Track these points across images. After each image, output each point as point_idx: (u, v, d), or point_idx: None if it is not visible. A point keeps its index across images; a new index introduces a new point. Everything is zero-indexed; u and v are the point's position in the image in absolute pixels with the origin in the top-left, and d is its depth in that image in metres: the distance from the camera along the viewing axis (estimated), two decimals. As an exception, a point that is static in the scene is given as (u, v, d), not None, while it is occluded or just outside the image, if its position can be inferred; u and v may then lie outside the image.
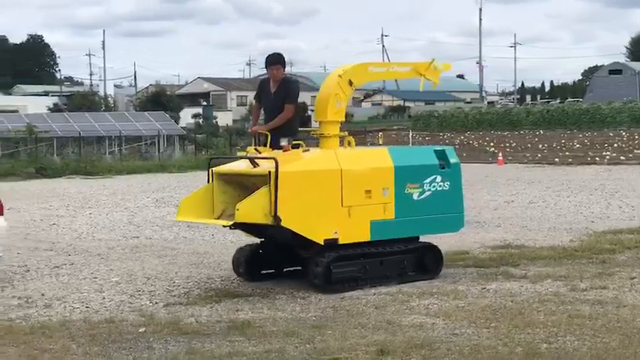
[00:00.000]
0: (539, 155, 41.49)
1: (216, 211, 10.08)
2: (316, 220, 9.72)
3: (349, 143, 10.54)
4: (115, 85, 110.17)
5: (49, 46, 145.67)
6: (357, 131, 52.24)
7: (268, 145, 10.36)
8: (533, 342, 7.47)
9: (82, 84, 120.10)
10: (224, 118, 75.41)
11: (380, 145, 45.11)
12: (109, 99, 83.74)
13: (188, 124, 67.65)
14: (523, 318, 8.35)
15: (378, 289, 10.02)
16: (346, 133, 10.61)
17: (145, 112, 54.85)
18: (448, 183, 10.70)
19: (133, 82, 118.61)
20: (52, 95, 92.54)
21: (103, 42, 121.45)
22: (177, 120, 60.28)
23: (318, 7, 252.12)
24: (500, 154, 38.80)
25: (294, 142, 10.40)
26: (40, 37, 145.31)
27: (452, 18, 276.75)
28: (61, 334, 8.06)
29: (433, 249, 10.75)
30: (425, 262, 10.57)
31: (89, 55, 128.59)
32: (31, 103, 75.90)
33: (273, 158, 9.49)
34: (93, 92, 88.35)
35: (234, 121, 77.21)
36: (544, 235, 14.63)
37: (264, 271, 10.68)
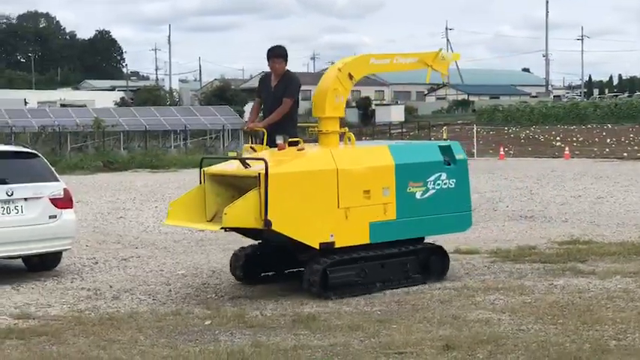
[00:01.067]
0: (606, 150, 40.89)
1: (209, 214, 9.53)
2: (310, 223, 9.19)
3: (349, 140, 9.89)
4: (180, 80, 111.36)
5: (116, 41, 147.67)
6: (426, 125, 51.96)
7: (265, 142, 9.95)
8: (602, 339, 7.36)
9: (147, 78, 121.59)
10: (288, 113, 75.55)
11: (444, 138, 44.93)
12: (174, 93, 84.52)
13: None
14: (591, 315, 8.23)
15: (444, 283, 9.97)
16: (346, 129, 9.99)
17: (210, 107, 55.29)
18: (454, 180, 10.13)
19: (197, 76, 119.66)
20: (119, 90, 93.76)
21: (169, 37, 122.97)
22: (241, 114, 60.58)
23: (383, 1, 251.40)
24: (566, 149, 38.32)
25: (291, 140, 9.71)
26: (108, 33, 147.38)
27: (517, 11, 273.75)
28: (128, 326, 8.17)
29: (438, 250, 10.31)
30: (430, 265, 10.10)
31: (155, 50, 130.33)
32: (98, 98, 76.99)
33: (262, 159, 8.99)
34: (158, 87, 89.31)
35: (298, 115, 77.37)
36: (612, 230, 14.42)
37: (264, 274, 10.31)
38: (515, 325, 7.95)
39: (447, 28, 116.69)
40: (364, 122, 66.98)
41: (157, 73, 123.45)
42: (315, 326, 8.04)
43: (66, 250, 11.29)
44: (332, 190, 9.28)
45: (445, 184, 10.05)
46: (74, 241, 11.76)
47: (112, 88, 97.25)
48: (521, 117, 70.49)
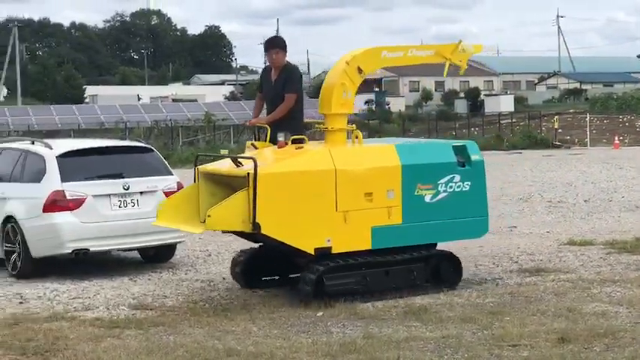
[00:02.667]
0: None
1: (203, 214, 8.80)
2: (304, 226, 8.62)
3: (357, 138, 9.26)
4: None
5: (225, 36, 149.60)
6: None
7: (268, 139, 9.45)
8: None
9: (256, 72, 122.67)
10: (396, 104, 75.32)
11: (555, 128, 44.12)
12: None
13: (361, 111, 67.98)
14: None
15: (558, 275, 9.81)
16: (354, 126, 9.37)
17: (316, 100, 55.57)
18: (469, 183, 9.36)
19: (306, 69, 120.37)
20: (228, 84, 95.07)
21: (277, 30, 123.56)
22: (349, 106, 60.65)
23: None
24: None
25: (295, 137, 9.17)
26: (217, 28, 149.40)
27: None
28: (242, 317, 8.28)
29: (449, 257, 9.53)
30: (440, 272, 9.35)
31: (262, 44, 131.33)
32: (209, 92, 78.21)
33: (252, 158, 8.46)
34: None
35: (407, 107, 77.05)
36: None
37: (266, 278, 9.75)
38: (633, 318, 7.77)
39: (558, 16, 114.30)
40: (473, 113, 66.21)
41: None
42: (427, 318, 8.01)
43: (180, 242, 11.50)
44: (329, 191, 8.70)
45: (459, 186, 9.32)
46: (187, 234, 11.94)
47: (222, 83, 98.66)
48: (637, 105, 68.59)
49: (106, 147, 11.46)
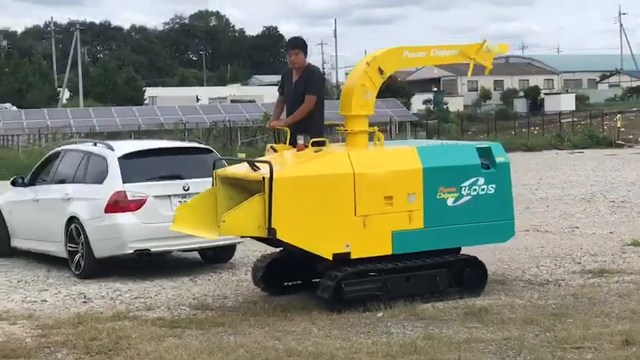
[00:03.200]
0: None
1: (220, 218, 8.56)
2: (322, 231, 8.45)
3: (378, 140, 9.11)
4: (347, 74, 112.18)
5: (283, 37, 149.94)
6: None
7: (287, 142, 9.30)
8: None
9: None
10: (455, 104, 74.95)
11: (617, 127, 43.51)
12: (341, 87, 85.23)
13: (419, 110, 67.82)
14: None
15: (622, 276, 9.66)
16: (376, 128, 9.16)
17: (377, 99, 55.42)
18: (493, 186, 9.12)
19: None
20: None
21: (335, 31, 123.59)
22: (408, 106, 60.56)
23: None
24: None
25: (315, 140, 8.95)
26: (275, 29, 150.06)
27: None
28: (301, 318, 8.29)
29: (473, 262, 9.22)
30: (464, 277, 9.06)
31: (321, 44, 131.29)
32: (267, 93, 78.38)
33: (268, 162, 8.30)
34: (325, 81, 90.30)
35: (465, 106, 76.61)
36: None
37: (288, 283, 9.58)
38: (699, 320, 7.62)
39: (620, 13, 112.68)
40: (533, 112, 65.62)
41: (323, 67, 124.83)
42: (488, 319, 7.94)
43: (239, 243, 11.56)
44: (348, 195, 8.52)
45: (483, 189, 9.08)
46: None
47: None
48: (701, 103, 67.33)
49: (166, 148, 11.56)
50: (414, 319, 8.12)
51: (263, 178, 8.22)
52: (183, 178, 10.87)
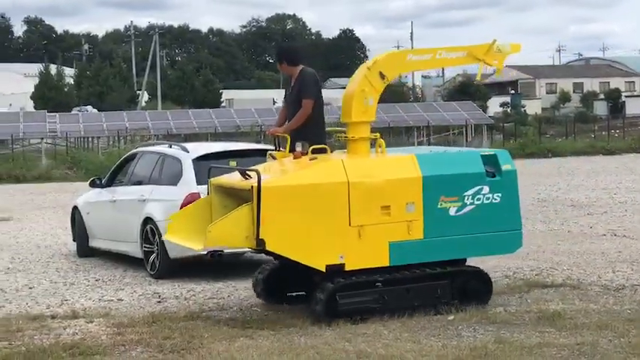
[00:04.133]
0: None
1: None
2: (314, 242, 8.11)
3: (380, 147, 8.79)
4: (423, 76, 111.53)
5: (359, 39, 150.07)
6: None
7: (287, 149, 9.00)
8: None
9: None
10: (532, 107, 74.14)
11: None
12: (417, 89, 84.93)
13: (496, 113, 67.23)
14: None
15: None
16: (378, 135, 8.87)
17: (453, 102, 55.14)
18: (499, 195, 8.71)
19: (440, 72, 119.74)
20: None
21: (411, 33, 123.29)
22: (484, 109, 60.10)
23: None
24: None
25: (315, 147, 8.67)
26: (351, 32, 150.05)
27: None
28: (373, 320, 8.27)
29: (477, 273, 8.88)
30: (467, 289, 8.71)
31: (397, 46, 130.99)
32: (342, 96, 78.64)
33: (256, 171, 8.03)
34: (401, 83, 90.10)
35: (543, 109, 75.73)
36: None
37: (292, 293, 9.23)
38: None
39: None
40: (613, 115, 64.53)
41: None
42: (561, 324, 7.86)
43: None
44: (341, 205, 8.16)
45: (487, 198, 8.67)
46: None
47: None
48: None
49: (240, 150, 11.65)
50: (486, 323, 8.07)
51: (252, 187, 7.96)
52: (255, 180, 10.94)
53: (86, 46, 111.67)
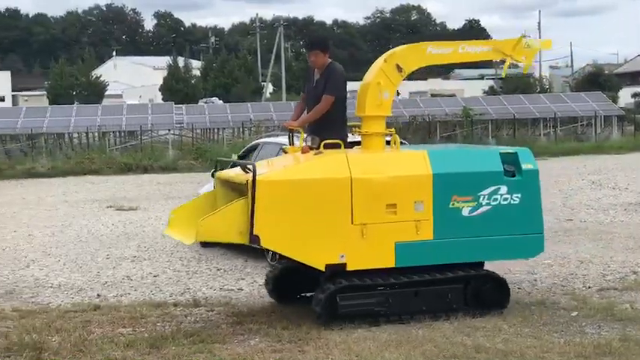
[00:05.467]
0: None
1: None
2: (313, 240, 7.72)
3: (395, 143, 8.44)
4: (551, 67, 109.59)
5: (485, 30, 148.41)
6: None
7: (301, 142, 8.68)
8: None
9: (517, 67, 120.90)
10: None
11: None
12: (544, 80, 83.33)
13: (627, 104, 65.37)
14: None
15: None
16: (393, 130, 8.47)
17: (581, 93, 53.79)
18: (518, 195, 8.18)
19: (569, 62, 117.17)
20: (488, 78, 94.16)
21: (539, 23, 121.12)
22: (615, 100, 58.46)
23: None
24: None
25: (328, 142, 8.32)
26: (477, 22, 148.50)
27: None
28: (493, 313, 8.13)
29: (492, 278, 8.31)
30: (481, 295, 8.19)
31: (524, 36, 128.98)
32: (467, 87, 77.85)
33: (252, 164, 7.70)
34: (528, 74, 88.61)
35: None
36: None
37: (305, 294, 8.77)
38: None
39: None
40: None
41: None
42: (691, 323, 7.57)
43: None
44: (343, 202, 7.76)
45: (505, 199, 8.16)
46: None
47: (481, 77, 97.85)
48: None
49: (356, 142, 11.60)
50: (611, 320, 7.85)
51: (247, 181, 7.64)
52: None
53: (213, 39, 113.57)
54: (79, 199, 20.87)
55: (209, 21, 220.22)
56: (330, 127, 8.76)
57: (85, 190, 23.35)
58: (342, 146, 8.41)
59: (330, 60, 9.10)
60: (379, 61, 8.57)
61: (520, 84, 72.14)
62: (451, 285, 8.11)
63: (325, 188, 7.76)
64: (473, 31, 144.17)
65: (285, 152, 8.83)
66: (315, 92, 9.02)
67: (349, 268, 7.82)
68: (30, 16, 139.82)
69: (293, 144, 8.89)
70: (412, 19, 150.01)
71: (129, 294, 9.74)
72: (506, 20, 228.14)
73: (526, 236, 8.33)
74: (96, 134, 41.08)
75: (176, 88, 68.84)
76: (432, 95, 66.98)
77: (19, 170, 30.59)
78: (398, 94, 72.27)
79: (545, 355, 6.80)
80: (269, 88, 79.85)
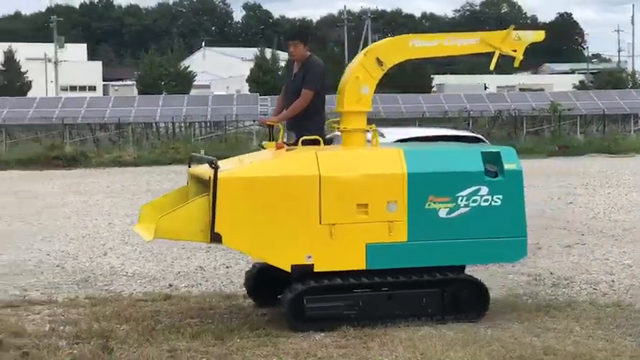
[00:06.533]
0: None
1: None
2: (278, 240, 7.42)
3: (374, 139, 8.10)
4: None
5: (577, 23, 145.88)
6: None
7: (280, 139, 8.30)
8: None
9: (609, 61, 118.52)
10: None
11: None
12: (637, 76, 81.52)
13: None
14: None
15: None
16: (374, 126, 8.15)
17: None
18: (500, 197, 7.75)
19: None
20: (578, 73, 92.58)
21: (632, 17, 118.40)
22: None
23: None
24: None
25: (306, 138, 8.00)
26: (569, 15, 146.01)
27: None
28: (565, 315, 7.99)
29: (471, 283, 7.92)
30: (458, 300, 7.78)
31: (618, 31, 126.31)
32: (556, 82, 76.60)
33: (213, 160, 7.37)
34: (620, 69, 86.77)
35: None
36: None
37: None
38: None
39: None
40: None
41: (619, 55, 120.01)
42: None
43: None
44: (311, 201, 7.43)
45: (486, 200, 7.73)
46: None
47: (572, 72, 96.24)
48: None
49: (435, 136, 11.52)
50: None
51: (209, 177, 7.37)
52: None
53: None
54: (162, 189, 21.09)
55: (297, 13, 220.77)
56: (309, 123, 8.45)
57: (169, 180, 23.62)
58: (322, 143, 8.09)
59: (309, 53, 8.79)
60: (359, 55, 8.28)
61: (612, 79, 70.73)
62: (426, 289, 7.75)
63: (291, 186, 7.46)
64: (564, 24, 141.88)
65: (263, 148, 8.53)
66: (293, 86, 8.72)
67: (317, 269, 7.50)
68: (123, 7, 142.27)
69: (272, 140, 8.52)
70: (502, 11, 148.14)
71: (200, 284, 9.80)
72: (599, 14, 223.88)
73: (508, 239, 7.93)
74: (182, 124, 41.60)
75: (263, 80, 69.23)
76: (521, 89, 66.10)
77: (107, 159, 31.17)
78: (485, 87, 71.57)
79: (615, 358, 6.62)
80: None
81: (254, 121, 41.26)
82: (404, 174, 7.62)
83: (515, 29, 8.52)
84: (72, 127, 39.98)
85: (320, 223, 7.47)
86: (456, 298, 7.77)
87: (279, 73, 73.60)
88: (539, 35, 8.72)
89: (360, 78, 8.08)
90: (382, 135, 11.27)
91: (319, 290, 7.50)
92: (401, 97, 49.30)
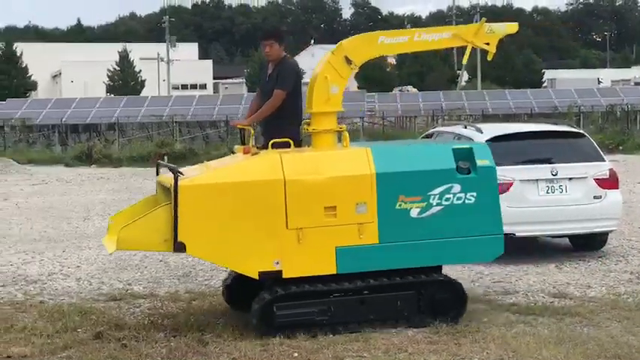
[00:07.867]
0: None
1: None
2: (244, 247, 7.19)
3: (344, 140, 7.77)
4: None
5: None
6: None
7: (251, 142, 7.93)
8: None
9: None
10: None
11: None
12: None
13: None
14: None
15: None
16: (344, 127, 7.86)
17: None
18: (474, 194, 7.49)
19: None
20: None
21: None
22: None
23: None
24: None
25: (278, 141, 7.73)
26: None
27: None
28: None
29: (447, 283, 7.64)
30: (435, 302, 7.50)
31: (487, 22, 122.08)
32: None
33: (173, 168, 7.20)
34: None
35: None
36: None
37: None
38: None
39: None
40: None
41: None
42: None
43: (611, 231, 11.07)
44: (276, 205, 7.19)
45: (459, 198, 7.46)
46: (620, 222, 11.47)
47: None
48: None
49: (536, 132, 11.33)
50: None
51: (170, 185, 7.15)
52: (551, 163, 10.63)
53: (408, 27, 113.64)
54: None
55: (407, 9, 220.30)
56: (281, 125, 8.31)
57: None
58: (292, 145, 7.85)
59: (285, 54, 8.65)
60: (327, 54, 8.01)
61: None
62: (400, 292, 7.51)
63: (255, 191, 7.24)
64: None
65: (233, 152, 8.33)
66: (267, 87, 8.57)
67: (285, 275, 7.28)
68: (233, 6, 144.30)
69: (244, 143, 8.24)
70: (617, 4, 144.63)
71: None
72: None
73: (483, 238, 7.65)
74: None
75: (371, 77, 69.30)
76: (636, 84, 64.45)
77: (214, 155, 31.39)
78: (599, 82, 69.99)
79: None
80: (464, 77, 79.05)
81: (360, 117, 41.36)
82: (372, 174, 7.40)
83: (487, 22, 8.25)
84: (182, 124, 40.77)
85: (287, 227, 7.26)
86: (432, 299, 7.55)
87: (388, 69, 73.63)
88: (512, 27, 8.39)
89: (328, 78, 7.84)
90: (480, 131, 11.17)
91: (288, 297, 7.30)
92: (509, 92, 48.67)
